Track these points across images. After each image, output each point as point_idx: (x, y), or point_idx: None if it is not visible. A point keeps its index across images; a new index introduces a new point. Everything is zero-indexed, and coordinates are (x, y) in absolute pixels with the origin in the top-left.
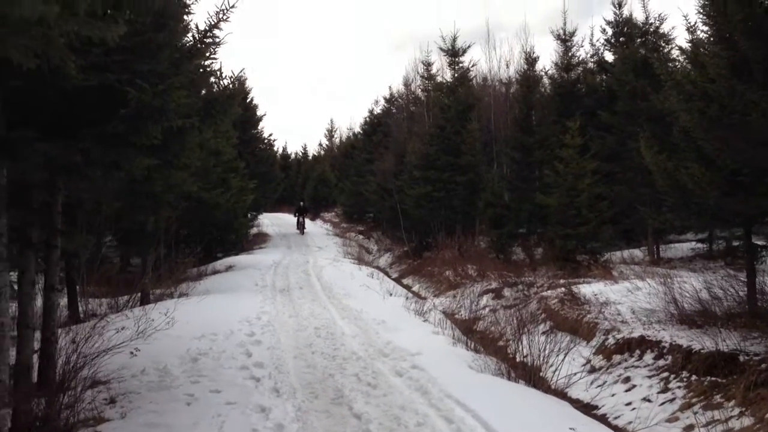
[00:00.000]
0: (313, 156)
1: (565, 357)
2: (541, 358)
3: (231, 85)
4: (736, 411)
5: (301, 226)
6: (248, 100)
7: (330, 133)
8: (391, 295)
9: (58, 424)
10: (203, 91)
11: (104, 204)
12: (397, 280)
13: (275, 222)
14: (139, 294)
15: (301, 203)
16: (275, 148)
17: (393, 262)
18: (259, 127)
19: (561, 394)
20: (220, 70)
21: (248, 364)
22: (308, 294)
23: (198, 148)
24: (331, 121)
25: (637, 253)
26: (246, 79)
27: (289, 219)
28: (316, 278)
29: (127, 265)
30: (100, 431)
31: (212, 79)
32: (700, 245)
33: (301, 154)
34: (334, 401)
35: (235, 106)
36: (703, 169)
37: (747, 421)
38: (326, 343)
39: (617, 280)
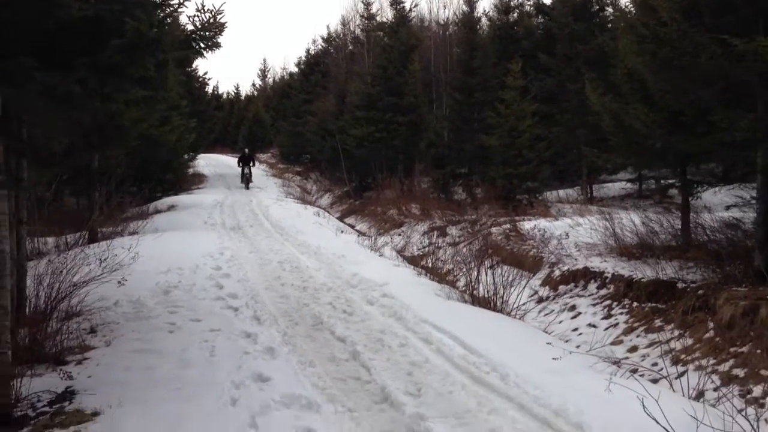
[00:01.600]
0: (246, 96)
1: (524, 289)
2: (496, 289)
3: (212, 20)
4: (676, 333)
5: (246, 180)
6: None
7: (263, 73)
8: (342, 232)
9: (45, 352)
10: (187, 25)
11: (55, 139)
12: (340, 220)
13: (210, 163)
14: (86, 233)
15: (246, 150)
16: (207, 89)
17: (334, 202)
18: (193, 65)
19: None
20: (203, 3)
21: (222, 295)
22: (261, 232)
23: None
24: (264, 60)
25: (572, 192)
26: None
27: (224, 160)
28: (264, 217)
29: (60, 204)
30: (89, 357)
31: (195, 13)
32: (630, 185)
33: (233, 94)
34: (315, 327)
35: (218, 40)
36: (646, 110)
37: (686, 342)
38: (293, 276)
39: (557, 218)
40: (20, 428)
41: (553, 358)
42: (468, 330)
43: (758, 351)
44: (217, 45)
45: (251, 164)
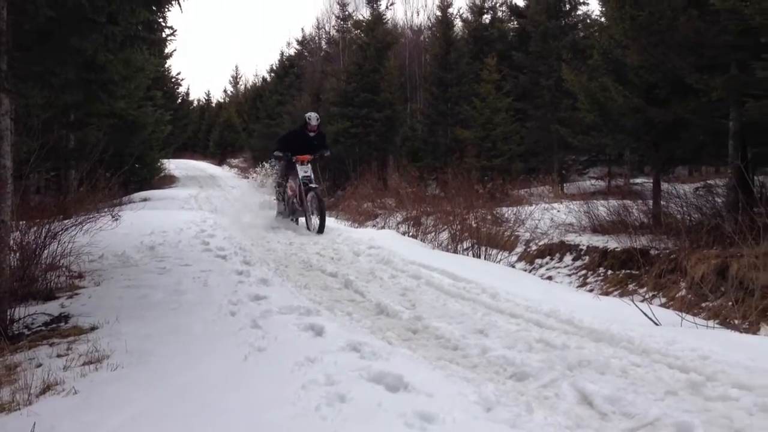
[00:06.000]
0: (218, 103)
1: (499, 261)
2: (480, 248)
3: None
4: (649, 295)
5: (312, 200)
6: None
7: (235, 80)
8: None
9: (36, 288)
10: None
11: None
12: None
13: (181, 166)
14: (61, 216)
15: (311, 116)
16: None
17: None
18: (166, 65)
19: None
20: None
21: (209, 248)
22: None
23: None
24: (236, 68)
25: (544, 190)
26: None
27: (195, 164)
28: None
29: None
30: (80, 293)
31: None
32: (599, 182)
33: (204, 101)
34: (305, 268)
35: None
36: (621, 87)
37: (659, 301)
38: (278, 237)
39: (532, 204)
40: (17, 341)
41: (542, 279)
42: (456, 267)
43: (729, 303)
44: None
45: (318, 156)
